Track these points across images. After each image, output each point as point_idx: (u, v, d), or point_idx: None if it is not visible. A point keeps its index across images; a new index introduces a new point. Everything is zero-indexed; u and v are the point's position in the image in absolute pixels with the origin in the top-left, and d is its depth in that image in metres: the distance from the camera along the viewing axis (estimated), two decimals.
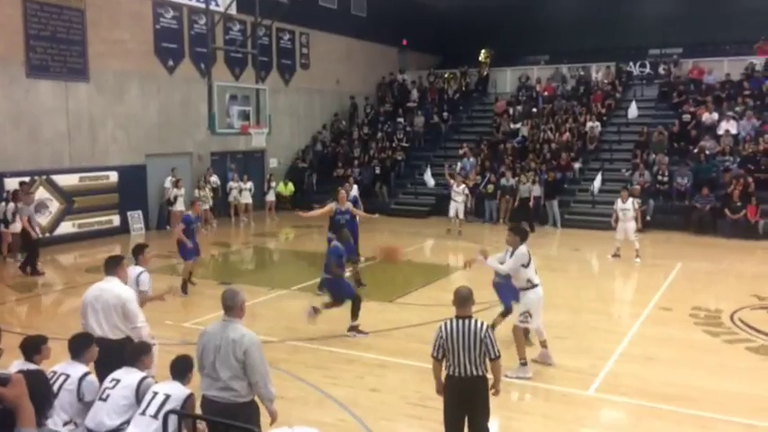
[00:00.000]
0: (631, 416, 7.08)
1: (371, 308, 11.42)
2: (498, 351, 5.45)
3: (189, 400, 4.88)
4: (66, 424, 4.99)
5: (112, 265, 6.36)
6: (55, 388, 4.92)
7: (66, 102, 17.05)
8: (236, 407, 4.84)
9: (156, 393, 4.85)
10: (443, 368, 5.54)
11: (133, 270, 7.02)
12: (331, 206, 12.65)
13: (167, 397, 4.80)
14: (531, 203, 19.12)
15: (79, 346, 5.31)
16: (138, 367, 5.19)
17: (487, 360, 5.44)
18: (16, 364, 5.04)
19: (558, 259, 16.00)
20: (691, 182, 19.18)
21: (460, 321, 5.44)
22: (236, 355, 4.82)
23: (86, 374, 5.18)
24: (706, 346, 9.16)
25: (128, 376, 5.08)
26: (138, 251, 7.47)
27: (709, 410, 7.03)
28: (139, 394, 4.96)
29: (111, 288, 6.16)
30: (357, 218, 13.20)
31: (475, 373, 5.38)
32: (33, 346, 5.24)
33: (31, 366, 5.00)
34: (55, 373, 5.11)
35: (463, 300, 5.56)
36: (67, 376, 5.10)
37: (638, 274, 14.15)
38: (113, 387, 5.00)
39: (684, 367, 8.35)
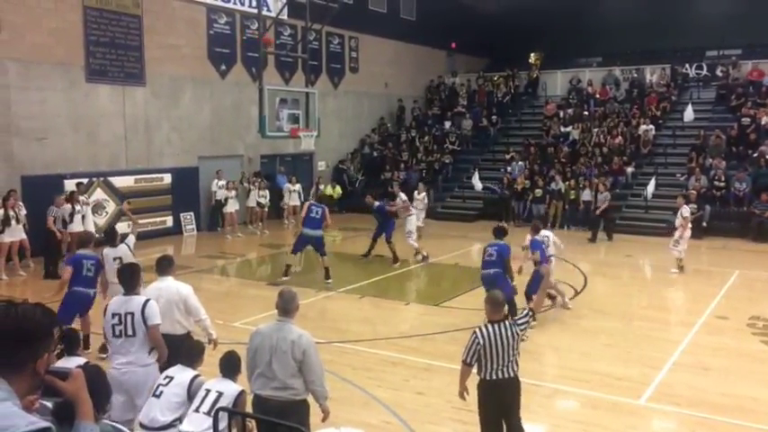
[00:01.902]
0: (684, 427, 6.89)
1: (417, 311, 11.44)
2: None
3: (240, 397, 4.98)
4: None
5: (165, 266, 6.59)
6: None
7: (124, 105, 17.58)
8: (291, 405, 4.92)
9: (208, 391, 4.96)
10: (473, 373, 5.63)
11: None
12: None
13: (220, 394, 4.90)
14: (602, 211, 18.21)
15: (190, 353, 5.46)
16: (194, 366, 5.31)
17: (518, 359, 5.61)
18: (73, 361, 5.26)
19: (609, 265, 15.69)
20: (749, 187, 18.55)
21: (495, 326, 5.52)
22: (295, 356, 4.90)
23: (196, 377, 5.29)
24: (763, 357, 8.84)
25: (180, 374, 5.19)
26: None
27: (765, 423, 6.79)
28: (191, 392, 5.07)
29: (170, 285, 6.42)
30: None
31: (510, 374, 5.51)
32: (75, 340, 5.59)
33: (78, 360, 5.21)
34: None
35: (496, 304, 5.66)
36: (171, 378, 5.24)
37: (694, 281, 13.75)
38: (167, 384, 5.13)
39: (740, 378, 8.07)
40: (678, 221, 13.91)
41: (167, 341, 5.82)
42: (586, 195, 19.29)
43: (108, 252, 8.84)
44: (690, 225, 13.88)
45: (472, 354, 5.51)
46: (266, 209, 19.74)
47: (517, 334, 5.52)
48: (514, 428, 5.62)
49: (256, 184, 19.72)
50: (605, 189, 18.52)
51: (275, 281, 12.61)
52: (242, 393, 5.01)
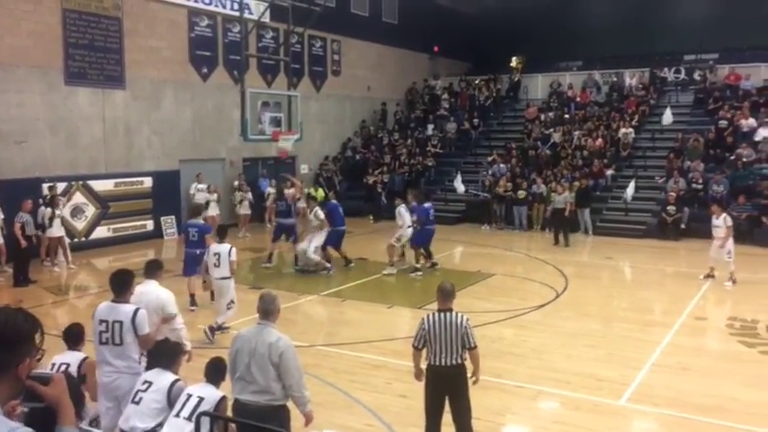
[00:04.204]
0: (664, 427, 6.97)
1: (400, 314, 11.45)
2: (476, 341, 5.81)
3: (222, 402, 4.95)
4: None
5: (152, 269, 6.58)
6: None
7: (103, 108, 17.43)
8: (271, 410, 4.88)
9: (189, 395, 4.92)
10: (424, 358, 5.92)
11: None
12: None
13: (201, 399, 4.86)
14: (567, 213, 18.25)
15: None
16: (173, 369, 5.26)
17: (466, 350, 5.79)
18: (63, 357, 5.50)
19: (589, 267, 15.83)
20: (727, 189, 18.81)
21: (442, 314, 5.79)
22: (272, 359, 4.87)
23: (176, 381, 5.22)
24: (741, 357, 8.97)
25: (160, 378, 5.13)
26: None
27: (744, 422, 6.88)
28: (171, 397, 5.02)
29: (151, 291, 6.38)
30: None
31: (455, 362, 5.75)
32: (77, 335, 5.70)
33: (79, 355, 5.48)
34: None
35: (446, 294, 5.93)
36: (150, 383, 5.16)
37: (672, 283, 13.91)
38: (146, 390, 5.07)
39: (719, 378, 8.18)
40: (722, 231, 13.06)
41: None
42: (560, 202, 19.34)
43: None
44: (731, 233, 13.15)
45: (419, 338, 5.85)
46: (248, 213, 19.71)
47: (466, 326, 5.73)
48: (462, 410, 5.84)
49: (243, 188, 19.75)
50: (563, 191, 18.64)
51: (262, 264, 14.25)
52: (223, 399, 4.97)
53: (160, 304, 6.30)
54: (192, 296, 11.14)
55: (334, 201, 15.58)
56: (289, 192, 15.12)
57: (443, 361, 5.71)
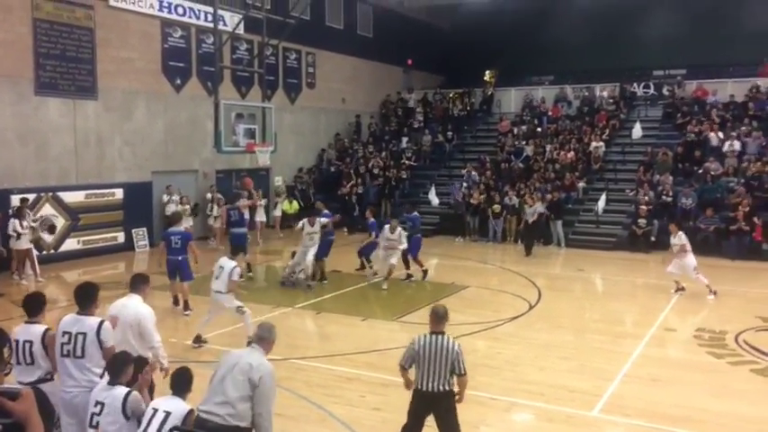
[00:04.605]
0: None
1: (374, 326, 11.44)
2: (465, 368, 5.69)
3: (189, 416, 4.83)
4: None
5: (137, 283, 6.50)
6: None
7: (74, 119, 17.20)
8: (229, 430, 4.75)
9: (155, 410, 4.79)
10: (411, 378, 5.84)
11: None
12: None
13: (167, 414, 4.74)
14: (530, 222, 18.82)
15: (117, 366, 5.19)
16: (121, 380, 5.04)
17: (455, 376, 5.69)
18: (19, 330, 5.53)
19: (561, 279, 15.98)
20: (695, 202, 19.16)
21: (434, 337, 5.70)
22: (252, 378, 4.80)
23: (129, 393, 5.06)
24: (710, 368, 9.11)
25: (110, 396, 4.94)
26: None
27: None
28: (127, 410, 4.87)
29: (130, 305, 6.29)
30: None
31: (442, 388, 5.64)
32: (37, 305, 5.67)
33: (38, 326, 5.44)
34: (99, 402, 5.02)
35: (439, 318, 5.81)
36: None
37: (643, 295, 14.11)
38: (100, 413, 4.91)
39: (689, 389, 8.30)
40: (677, 249, 13.44)
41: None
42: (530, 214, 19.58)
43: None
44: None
45: (407, 358, 5.77)
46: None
47: (457, 352, 5.62)
48: (450, 429, 5.75)
49: (219, 201, 19.58)
50: (534, 203, 18.94)
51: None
52: (191, 413, 4.85)
53: (137, 319, 6.18)
54: (176, 297, 12.01)
55: (415, 212, 16.02)
56: (242, 203, 15.23)
57: (430, 386, 5.63)
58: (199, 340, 9.88)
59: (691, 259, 13.34)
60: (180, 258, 11.75)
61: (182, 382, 5.03)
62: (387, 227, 14.26)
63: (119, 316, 6.17)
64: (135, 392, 5.02)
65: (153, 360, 6.13)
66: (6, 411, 2.19)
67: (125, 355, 5.33)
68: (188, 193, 19.48)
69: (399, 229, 14.05)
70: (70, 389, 5.40)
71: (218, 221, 19.36)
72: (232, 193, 18.36)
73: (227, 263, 9.86)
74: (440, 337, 5.69)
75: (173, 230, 12.04)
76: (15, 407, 2.21)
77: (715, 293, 13.15)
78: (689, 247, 13.48)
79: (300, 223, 14.08)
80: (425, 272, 14.86)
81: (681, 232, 13.76)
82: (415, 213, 15.82)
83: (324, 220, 14.19)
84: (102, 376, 5.40)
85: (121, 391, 4.95)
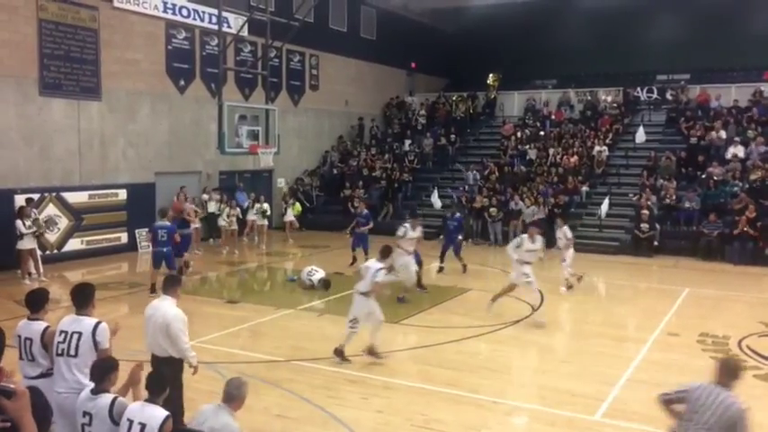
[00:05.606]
0: None
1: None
2: None
3: (166, 422, 4.58)
4: None
5: (170, 284, 6.59)
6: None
7: (78, 120, 17.24)
8: None
9: (131, 422, 4.59)
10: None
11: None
12: None
13: (143, 426, 4.53)
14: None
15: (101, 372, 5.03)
16: (105, 386, 4.88)
17: None
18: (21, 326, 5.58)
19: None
20: (698, 207, 19.15)
21: (718, 389, 4.90)
22: None
23: (115, 399, 4.92)
24: (713, 373, 9.06)
25: (96, 406, 4.78)
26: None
27: None
28: (115, 417, 4.72)
29: (161, 307, 6.41)
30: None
31: None
32: (39, 301, 5.75)
33: (38, 324, 5.49)
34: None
35: (730, 372, 4.99)
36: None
37: (646, 299, 14.09)
38: (90, 423, 4.79)
39: None
40: (563, 242, 14.09)
41: (154, 362, 6.25)
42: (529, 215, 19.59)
43: None
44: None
45: (675, 397, 5.11)
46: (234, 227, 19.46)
47: (741, 416, 4.79)
48: None
49: (226, 201, 19.58)
50: (531, 204, 18.92)
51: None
52: (167, 419, 4.58)
53: (166, 321, 6.25)
54: (153, 285, 12.74)
55: (458, 214, 16.81)
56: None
57: None
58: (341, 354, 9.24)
59: (571, 252, 14.06)
60: (165, 250, 13.00)
61: (155, 384, 4.80)
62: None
63: (152, 317, 6.36)
64: (120, 399, 4.84)
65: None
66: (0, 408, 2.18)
67: (109, 362, 5.13)
68: (191, 194, 19.41)
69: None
70: (61, 390, 5.34)
71: (233, 223, 19.16)
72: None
73: (373, 264, 9.39)
74: (723, 392, 4.85)
75: (159, 224, 13.20)
76: (9, 405, 2.20)
77: (570, 288, 13.81)
78: (573, 241, 14.21)
79: (402, 229, 13.45)
80: (465, 266, 15.87)
81: (566, 226, 14.31)
82: (459, 214, 16.74)
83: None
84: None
85: (106, 399, 4.78)
